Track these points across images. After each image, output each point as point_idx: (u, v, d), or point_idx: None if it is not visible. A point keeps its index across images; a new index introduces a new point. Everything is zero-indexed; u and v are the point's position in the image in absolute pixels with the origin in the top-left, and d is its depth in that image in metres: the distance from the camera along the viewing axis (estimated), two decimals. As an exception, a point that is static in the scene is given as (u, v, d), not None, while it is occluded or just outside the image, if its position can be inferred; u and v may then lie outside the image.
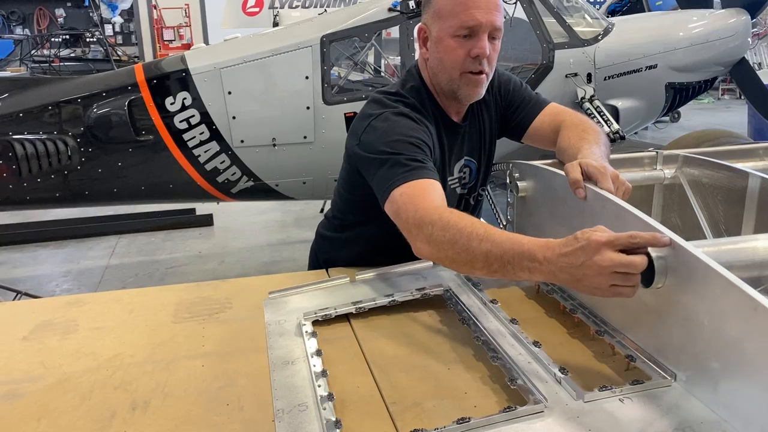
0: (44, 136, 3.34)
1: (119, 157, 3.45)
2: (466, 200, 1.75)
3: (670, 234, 1.03)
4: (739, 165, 1.51)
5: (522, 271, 1.10)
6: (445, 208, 1.29)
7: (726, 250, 1.07)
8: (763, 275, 1.09)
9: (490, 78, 1.56)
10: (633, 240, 1.01)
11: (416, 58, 1.67)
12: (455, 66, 1.49)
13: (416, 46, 1.62)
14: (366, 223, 1.63)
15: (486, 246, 1.14)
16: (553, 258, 1.05)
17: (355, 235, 1.69)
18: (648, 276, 1.03)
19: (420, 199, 1.30)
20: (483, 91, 1.56)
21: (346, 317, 1.34)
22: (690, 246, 0.99)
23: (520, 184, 1.58)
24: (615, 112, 4.14)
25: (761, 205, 1.41)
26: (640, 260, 1.00)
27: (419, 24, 1.57)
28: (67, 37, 12.76)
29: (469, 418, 0.94)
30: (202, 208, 5.47)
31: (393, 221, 1.38)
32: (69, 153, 3.36)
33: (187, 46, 10.92)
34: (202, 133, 3.47)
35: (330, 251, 1.75)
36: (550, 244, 1.07)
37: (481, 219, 1.92)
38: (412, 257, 1.50)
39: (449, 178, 1.65)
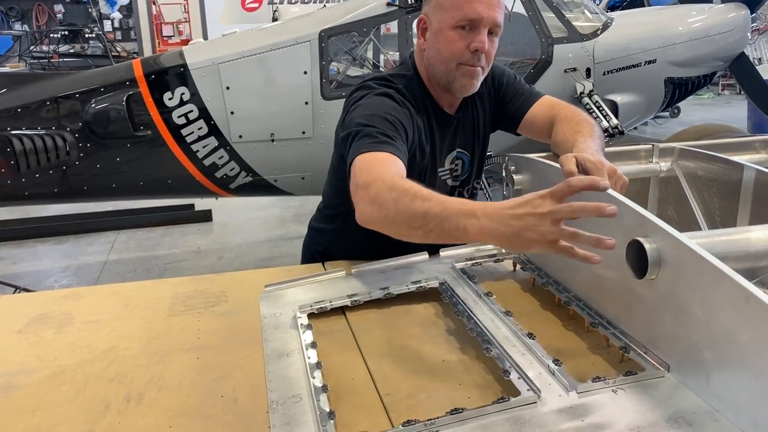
0: (42, 132, 3.34)
1: (117, 153, 3.45)
2: (459, 193, 1.75)
3: (663, 226, 1.03)
4: (735, 158, 1.51)
5: (457, 229, 1.09)
6: (397, 174, 1.27)
7: (720, 242, 1.07)
8: (757, 267, 1.09)
9: (486, 72, 1.56)
10: (570, 186, 1.00)
11: (411, 49, 1.67)
12: (453, 57, 1.50)
13: (415, 37, 1.61)
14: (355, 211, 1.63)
15: (427, 204, 1.13)
16: (493, 211, 1.05)
17: (347, 225, 1.67)
18: (641, 267, 1.03)
19: (376, 165, 1.29)
20: (478, 85, 1.56)
21: (341, 310, 1.34)
22: (684, 237, 0.99)
23: (515, 177, 1.58)
24: (614, 107, 4.14)
25: (756, 197, 1.41)
26: (578, 205, 0.99)
27: (420, 15, 1.58)
28: (66, 33, 12.73)
29: (462, 409, 0.94)
30: (201, 203, 5.47)
31: None
32: (67, 148, 3.35)
33: (186, 42, 10.89)
34: (201, 128, 3.46)
35: (323, 243, 1.75)
36: (492, 203, 1.08)
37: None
38: (405, 248, 1.50)
39: (440, 170, 1.66)
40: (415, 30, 3.69)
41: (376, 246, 1.56)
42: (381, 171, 1.27)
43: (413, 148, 1.51)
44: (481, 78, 1.55)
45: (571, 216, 0.99)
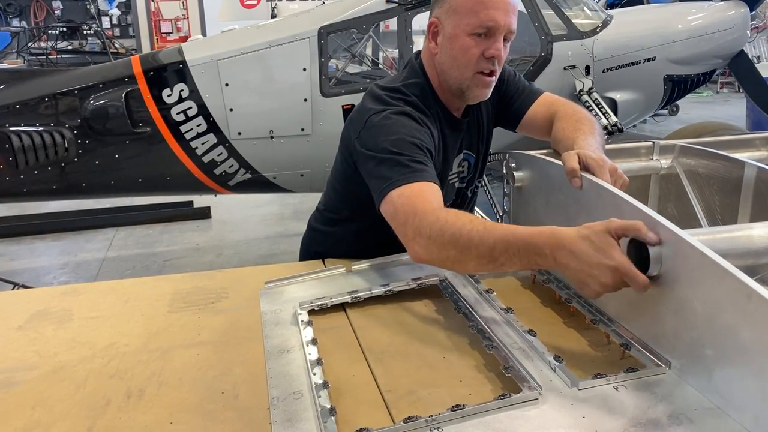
0: (41, 128, 3.33)
1: (116, 149, 3.44)
2: (463, 193, 1.75)
3: (665, 222, 1.03)
4: (736, 155, 1.51)
5: (530, 263, 1.12)
6: (442, 209, 1.28)
7: (721, 239, 1.07)
8: (759, 264, 1.09)
9: (497, 78, 1.54)
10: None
11: (414, 50, 1.65)
12: (469, 65, 1.47)
13: (424, 39, 1.58)
14: (360, 218, 1.60)
15: (489, 241, 1.14)
16: (561, 255, 1.06)
17: (348, 231, 1.67)
18: (643, 264, 1.03)
19: (418, 202, 1.28)
20: (489, 93, 1.54)
21: (341, 307, 1.34)
22: (685, 234, 0.99)
23: (516, 174, 1.58)
24: (613, 104, 4.13)
25: (757, 194, 1.41)
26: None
27: (431, 18, 1.53)
28: (65, 29, 12.69)
29: (463, 406, 0.94)
30: (199, 200, 5.46)
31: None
32: (66, 145, 3.35)
33: (185, 39, 10.86)
34: (200, 125, 3.46)
35: (323, 244, 1.73)
36: (556, 235, 1.07)
37: (477, 210, 1.92)
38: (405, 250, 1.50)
39: (450, 174, 1.64)
40: (414, 27, 3.69)
41: (376, 251, 1.55)
42: (424, 207, 1.27)
43: (433, 163, 1.49)
44: (493, 85, 1.54)
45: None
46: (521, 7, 3.76)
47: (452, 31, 1.46)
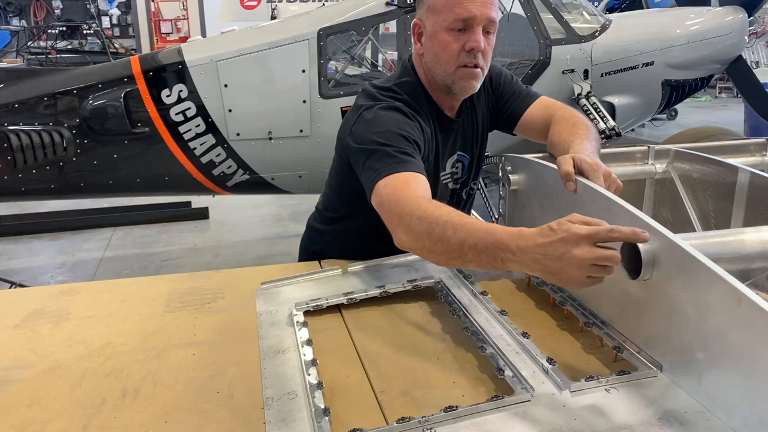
0: (40, 127, 3.33)
1: (115, 149, 3.44)
2: (458, 195, 1.76)
3: (657, 227, 1.04)
4: (730, 160, 1.52)
5: (495, 260, 1.09)
6: (425, 198, 1.28)
7: (713, 243, 1.08)
8: (750, 268, 1.10)
9: (486, 72, 1.56)
10: (612, 234, 0.99)
11: (410, 53, 1.67)
12: (450, 60, 1.49)
13: (412, 41, 1.61)
14: (356, 215, 1.63)
15: (460, 235, 1.13)
16: (527, 248, 1.03)
17: (346, 228, 1.69)
18: (635, 268, 1.04)
19: (402, 190, 1.30)
20: (478, 85, 1.56)
21: (337, 308, 1.34)
22: (678, 238, 1.00)
23: (512, 177, 1.59)
24: (611, 108, 4.15)
25: (750, 199, 1.42)
26: (618, 255, 0.99)
27: (414, 20, 1.57)
28: (64, 29, 12.70)
29: (456, 407, 0.95)
30: (197, 201, 5.47)
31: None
32: (64, 144, 3.35)
33: (185, 40, 10.86)
34: (198, 125, 3.46)
35: (321, 244, 1.74)
36: (524, 233, 1.05)
37: (473, 213, 1.93)
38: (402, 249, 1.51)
39: (442, 174, 1.65)
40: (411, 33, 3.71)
41: (374, 247, 1.56)
42: (407, 195, 1.28)
43: (424, 158, 1.51)
44: (482, 78, 1.55)
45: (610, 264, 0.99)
46: (520, 11, 3.77)
47: (432, 29, 1.50)
